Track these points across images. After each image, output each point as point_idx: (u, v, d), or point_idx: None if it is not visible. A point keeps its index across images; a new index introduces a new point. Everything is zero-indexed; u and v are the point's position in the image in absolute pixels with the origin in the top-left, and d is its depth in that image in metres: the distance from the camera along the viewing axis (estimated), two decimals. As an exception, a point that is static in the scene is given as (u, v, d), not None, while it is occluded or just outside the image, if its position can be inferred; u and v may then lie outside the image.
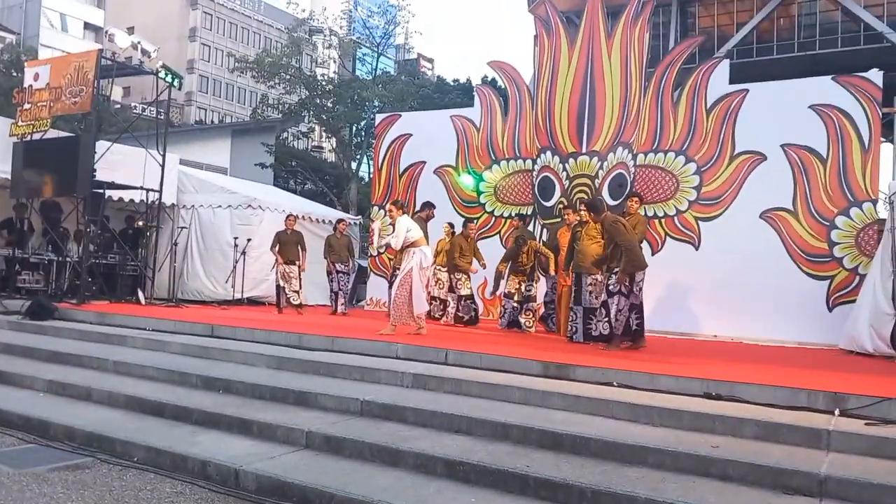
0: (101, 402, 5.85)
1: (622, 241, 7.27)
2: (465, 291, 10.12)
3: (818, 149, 9.75)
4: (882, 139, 13.18)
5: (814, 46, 31.06)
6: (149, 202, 11.86)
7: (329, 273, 11.54)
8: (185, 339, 7.73)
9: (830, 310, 9.41)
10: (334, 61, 31.00)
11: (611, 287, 7.42)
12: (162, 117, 12.55)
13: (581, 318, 8.11)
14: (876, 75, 9.69)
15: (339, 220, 12.04)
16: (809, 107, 9.83)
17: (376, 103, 25.75)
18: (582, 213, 9.11)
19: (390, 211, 8.38)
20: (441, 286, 10.89)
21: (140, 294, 11.29)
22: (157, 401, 5.60)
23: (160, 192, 11.64)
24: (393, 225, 8.20)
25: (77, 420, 5.25)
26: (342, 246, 11.50)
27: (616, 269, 7.32)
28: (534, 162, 11.77)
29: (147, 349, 7.51)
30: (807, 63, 29.95)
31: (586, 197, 10.92)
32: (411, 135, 13.28)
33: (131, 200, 12.30)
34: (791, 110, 9.93)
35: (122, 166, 11.47)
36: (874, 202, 9.52)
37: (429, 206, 10.81)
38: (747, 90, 10.37)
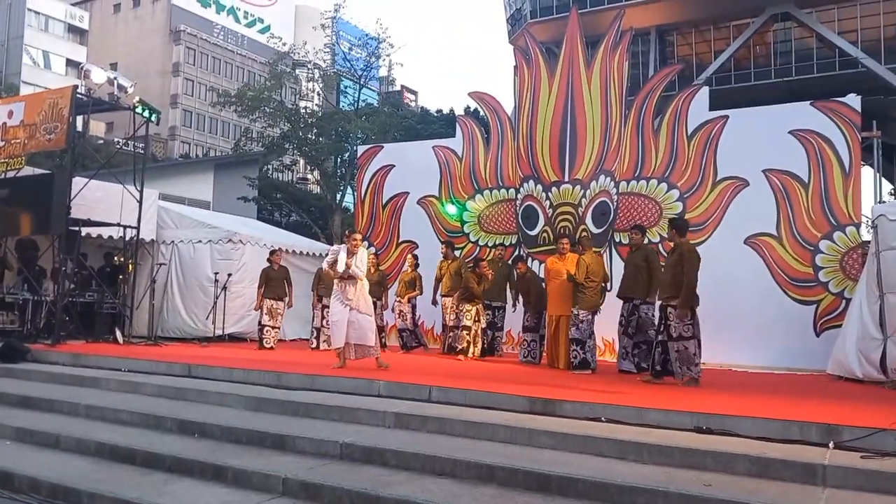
0: (70, 449, 5.62)
1: (691, 273, 7.11)
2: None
3: (800, 174, 9.75)
4: (862, 163, 13.24)
5: (790, 73, 31.65)
6: (127, 239, 11.64)
7: (314, 307, 11.29)
8: (162, 379, 7.50)
9: (818, 335, 9.32)
10: (318, 94, 31.05)
11: (673, 330, 7.12)
12: (141, 152, 12.40)
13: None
14: (854, 100, 9.74)
15: (327, 253, 11.80)
16: (789, 132, 9.84)
17: (360, 135, 25.75)
18: (564, 244, 9.00)
19: (356, 239, 8.21)
20: (405, 318, 10.78)
21: (118, 333, 11.01)
22: (128, 447, 5.37)
23: (138, 228, 11.43)
24: (354, 252, 8.05)
25: (43, 470, 5.01)
26: (332, 280, 11.25)
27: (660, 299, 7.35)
28: (517, 191, 11.71)
29: (121, 391, 7.27)
30: (784, 89, 30.52)
31: (570, 226, 10.88)
32: (394, 166, 13.22)
33: (110, 237, 12.09)
34: (771, 136, 9.95)
35: (100, 203, 11.28)
36: (857, 226, 9.49)
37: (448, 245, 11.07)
38: (727, 116, 10.39)
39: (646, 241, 8.81)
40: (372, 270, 11.32)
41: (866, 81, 28.65)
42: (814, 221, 9.60)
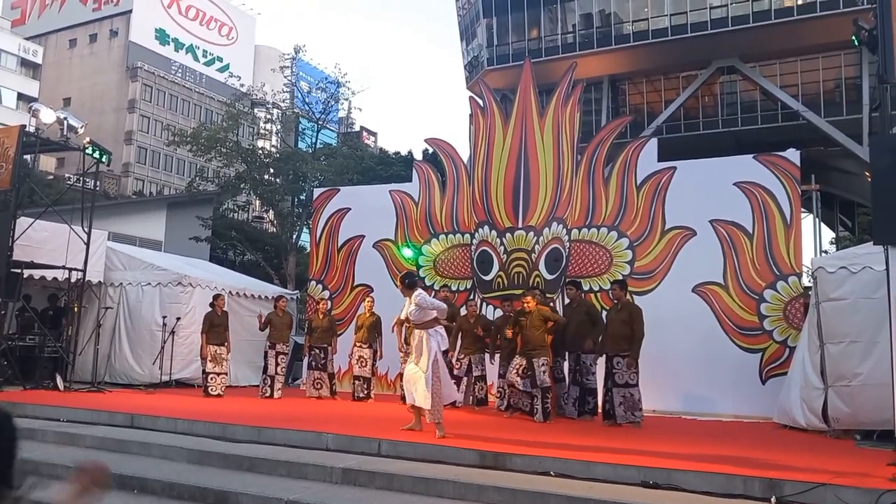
0: (0, 508, 5.35)
1: (639, 329, 8.04)
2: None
3: (744, 224, 10.04)
4: (804, 210, 13.71)
5: (736, 123, 32.93)
6: (73, 281, 11.32)
7: (266, 354, 10.94)
8: (103, 430, 7.26)
9: (763, 382, 9.50)
10: (276, 135, 30.98)
11: (631, 378, 8.06)
12: (92, 193, 12.14)
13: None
14: (794, 154, 10.15)
15: (280, 298, 11.65)
16: (734, 184, 10.17)
17: (318, 176, 25.68)
18: (528, 301, 8.61)
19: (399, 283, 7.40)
20: (364, 364, 10.60)
21: (58, 379, 10.62)
22: (61, 506, 5.14)
23: (84, 270, 11.13)
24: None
25: (-32, 532, 4.75)
26: (284, 325, 11.10)
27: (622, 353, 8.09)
28: (472, 236, 11.81)
29: (59, 443, 6.99)
30: (730, 139, 31.67)
31: (524, 272, 11.00)
32: (350, 209, 13.20)
33: (55, 278, 11.74)
34: (717, 187, 10.26)
35: (45, 244, 11.01)
36: (798, 276, 9.80)
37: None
38: (675, 168, 10.70)
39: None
40: (321, 316, 11.22)
41: (807, 132, 29.97)
42: (758, 271, 9.87)
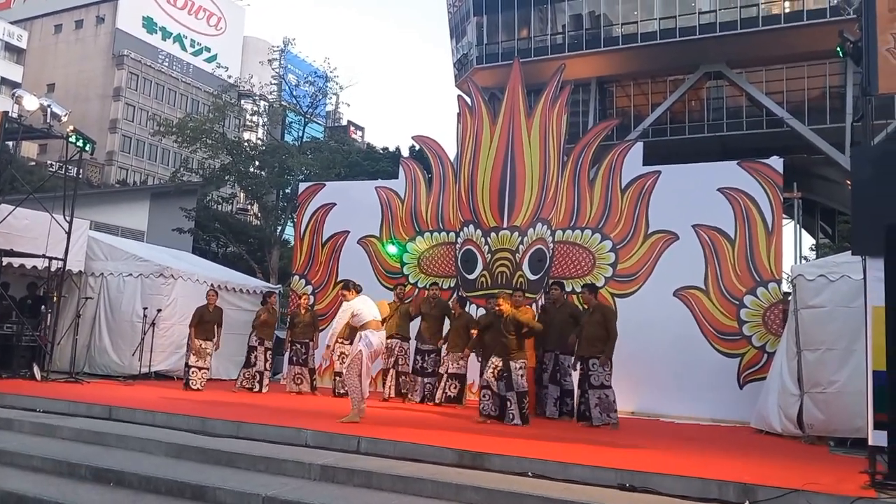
0: (-26, 499, 5.30)
1: (613, 330, 8.22)
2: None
3: (727, 230, 10.14)
4: (785, 216, 13.89)
5: (721, 128, 33.21)
6: (53, 270, 11.20)
7: (254, 350, 10.85)
8: (80, 422, 7.19)
9: (741, 387, 9.60)
10: (262, 127, 30.84)
11: (606, 380, 8.15)
12: (74, 182, 12.00)
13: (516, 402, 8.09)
14: (777, 162, 10.25)
15: (270, 294, 11.54)
16: (718, 189, 10.26)
17: (304, 170, 25.62)
18: (500, 303, 8.38)
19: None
20: (345, 361, 10.50)
21: (36, 369, 10.51)
22: (36, 497, 5.10)
23: (64, 260, 11.02)
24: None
25: (-59, 523, 4.72)
26: (275, 322, 11.10)
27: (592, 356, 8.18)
28: (457, 234, 11.83)
29: (35, 434, 6.93)
30: (715, 143, 31.94)
31: (507, 271, 11.03)
32: (335, 204, 13.19)
33: (34, 267, 11.61)
34: (701, 192, 10.35)
35: (26, 232, 10.88)
36: (778, 282, 9.90)
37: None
38: (660, 172, 10.77)
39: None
40: (303, 311, 11.20)
41: (791, 139, 30.28)
42: (739, 277, 9.97)
